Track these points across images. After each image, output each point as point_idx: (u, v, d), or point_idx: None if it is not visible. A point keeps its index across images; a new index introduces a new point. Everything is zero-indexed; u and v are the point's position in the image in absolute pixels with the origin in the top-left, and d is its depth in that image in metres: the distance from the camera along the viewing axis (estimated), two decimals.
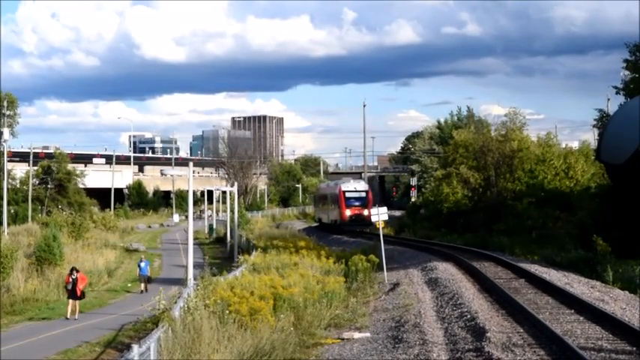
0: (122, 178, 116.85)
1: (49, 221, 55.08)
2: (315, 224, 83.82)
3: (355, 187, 68.00)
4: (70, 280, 31.11)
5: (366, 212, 60.47)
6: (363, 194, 66.95)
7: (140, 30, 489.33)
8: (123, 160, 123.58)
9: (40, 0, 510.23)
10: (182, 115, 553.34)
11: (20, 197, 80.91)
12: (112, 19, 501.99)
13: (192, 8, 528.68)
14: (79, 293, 31.02)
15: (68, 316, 30.41)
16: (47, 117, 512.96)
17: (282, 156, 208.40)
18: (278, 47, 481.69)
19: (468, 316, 20.58)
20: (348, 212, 65.39)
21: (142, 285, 39.41)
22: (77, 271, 31.72)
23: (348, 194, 66.37)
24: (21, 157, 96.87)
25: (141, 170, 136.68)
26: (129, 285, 41.57)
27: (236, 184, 64.05)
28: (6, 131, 63.76)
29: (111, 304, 35.44)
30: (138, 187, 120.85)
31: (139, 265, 40.61)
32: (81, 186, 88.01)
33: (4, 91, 71.77)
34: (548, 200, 51.89)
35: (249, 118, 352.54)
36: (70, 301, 30.86)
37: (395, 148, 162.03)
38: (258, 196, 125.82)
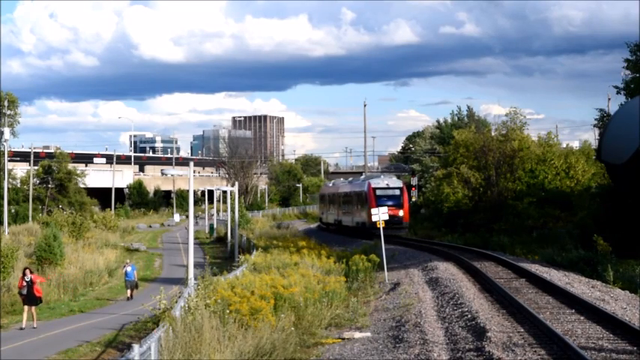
0: (123, 177, 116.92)
1: (49, 221, 55.07)
2: (323, 226, 77.88)
3: (387, 183, 58.61)
4: (24, 283, 28.26)
5: (401, 213, 55.37)
6: (397, 192, 57.74)
7: (138, 30, 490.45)
8: (123, 160, 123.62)
9: (38, 0, 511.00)
10: (182, 115, 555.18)
11: (21, 197, 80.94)
12: (110, 19, 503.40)
13: (190, 8, 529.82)
14: (39, 295, 28.49)
15: (24, 326, 27.82)
16: (47, 117, 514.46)
17: (283, 156, 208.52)
18: (276, 47, 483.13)
19: (469, 316, 20.58)
20: None
21: (128, 291, 37.01)
22: (31, 272, 28.94)
23: (379, 192, 56.95)
24: (21, 156, 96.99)
25: (141, 170, 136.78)
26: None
27: (237, 183, 63.86)
28: (6, 131, 63.77)
29: (111, 304, 35.43)
30: (138, 187, 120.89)
31: (124, 270, 38.02)
32: (81, 185, 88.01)
33: (4, 90, 71.85)
34: (549, 200, 51.89)
35: (250, 117, 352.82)
36: (26, 307, 28.17)
37: (395, 147, 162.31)
38: (258, 195, 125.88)
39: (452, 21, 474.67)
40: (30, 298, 28.18)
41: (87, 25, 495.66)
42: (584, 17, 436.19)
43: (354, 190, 62.15)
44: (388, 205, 53.47)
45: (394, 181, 59.90)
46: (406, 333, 19.46)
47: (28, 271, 28.79)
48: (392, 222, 53.25)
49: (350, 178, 78.28)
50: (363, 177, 68.44)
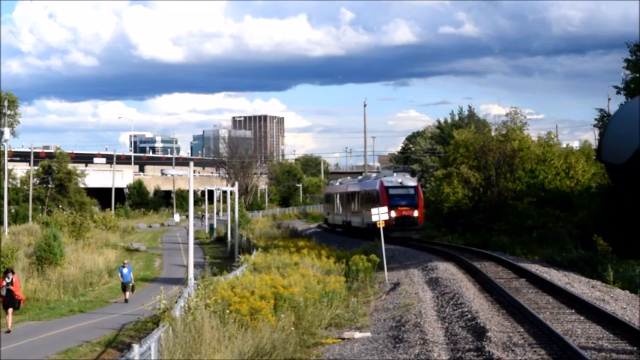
0: (123, 177, 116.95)
1: (49, 221, 55.07)
2: (325, 226, 76.61)
3: (401, 181, 54.25)
4: (4, 283, 27.21)
5: (416, 213, 52.62)
6: (412, 191, 53.65)
7: (138, 30, 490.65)
8: (123, 160, 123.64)
9: (37, 0, 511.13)
10: (181, 115, 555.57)
11: (21, 197, 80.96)
12: (109, 19, 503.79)
13: (189, 8, 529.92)
14: (22, 298, 27.92)
15: (9, 328, 26.95)
16: (46, 117, 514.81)
17: (283, 156, 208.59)
18: (276, 47, 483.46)
19: (469, 316, 20.58)
20: (393, 214, 50.67)
21: (127, 293, 35.56)
22: (13, 273, 27.89)
23: (392, 191, 53.08)
24: (21, 156, 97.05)
25: (141, 170, 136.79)
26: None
27: (237, 183, 63.80)
28: (6, 131, 63.74)
29: (111, 304, 35.41)
30: (138, 187, 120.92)
31: (120, 271, 36.49)
32: (81, 185, 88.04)
33: (4, 90, 71.87)
34: (549, 200, 51.92)
35: (250, 117, 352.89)
36: (10, 310, 27.27)
37: (395, 147, 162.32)
38: (258, 195, 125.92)
39: (451, 21, 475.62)
40: (9, 300, 27.28)
41: (86, 25, 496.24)
42: (583, 17, 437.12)
43: (365, 189, 58.38)
44: (402, 205, 52.38)
45: (408, 180, 55.41)
46: (406, 333, 19.46)
47: (10, 273, 27.81)
48: (406, 223, 51.99)
49: (359, 177, 73.51)
50: (374, 175, 64.91)
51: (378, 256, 33.07)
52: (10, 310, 27.41)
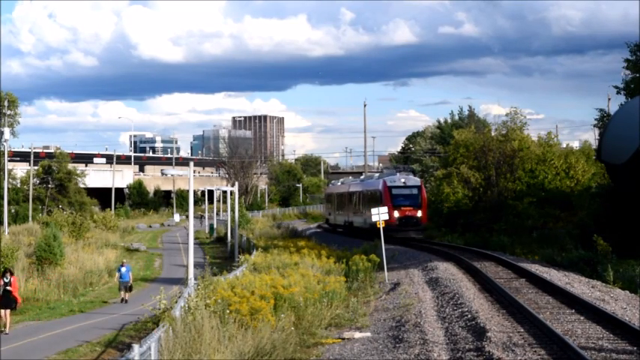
0: (123, 177, 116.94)
1: (49, 221, 55.03)
2: (326, 226, 76.43)
3: (404, 181, 53.62)
4: (2, 283, 26.98)
5: (419, 213, 52.44)
6: (415, 190, 53.36)
7: (137, 30, 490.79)
8: (123, 160, 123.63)
9: (37, 0, 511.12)
10: (182, 115, 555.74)
11: (21, 197, 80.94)
12: (109, 19, 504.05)
13: (189, 8, 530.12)
14: (19, 300, 27.68)
15: (7, 331, 26.68)
16: (46, 117, 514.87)
17: (283, 156, 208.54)
18: (276, 47, 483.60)
19: (469, 316, 20.58)
20: (396, 214, 51.04)
21: (123, 293, 35.17)
22: (12, 274, 27.70)
23: (395, 191, 52.72)
24: (21, 156, 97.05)
25: (141, 170, 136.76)
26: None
27: (237, 183, 63.75)
28: (6, 131, 63.70)
29: (111, 304, 35.39)
30: (138, 187, 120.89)
31: (119, 270, 36.07)
32: (81, 185, 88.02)
33: (4, 90, 71.85)
34: (549, 200, 51.91)
35: (250, 117, 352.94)
36: (1, 311, 26.90)
37: (395, 147, 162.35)
38: (258, 195, 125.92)
39: (451, 21, 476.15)
40: (6, 300, 26.98)
41: (86, 25, 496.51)
42: (582, 17, 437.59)
43: (368, 189, 57.98)
44: (405, 205, 52.11)
45: (411, 179, 54.81)
46: (406, 333, 19.46)
47: (8, 274, 27.56)
48: (409, 223, 51.78)
49: (361, 177, 72.98)
50: (377, 174, 64.38)
51: (378, 256, 33.08)
52: (8, 311, 27.22)
